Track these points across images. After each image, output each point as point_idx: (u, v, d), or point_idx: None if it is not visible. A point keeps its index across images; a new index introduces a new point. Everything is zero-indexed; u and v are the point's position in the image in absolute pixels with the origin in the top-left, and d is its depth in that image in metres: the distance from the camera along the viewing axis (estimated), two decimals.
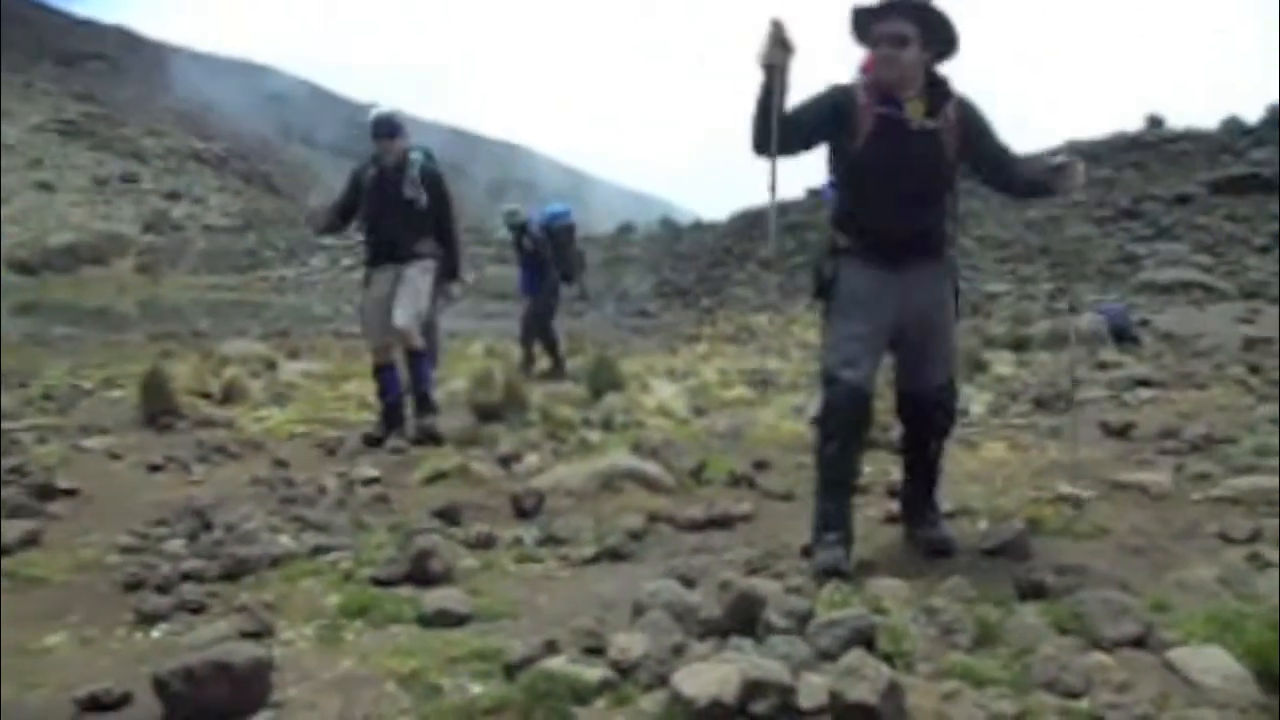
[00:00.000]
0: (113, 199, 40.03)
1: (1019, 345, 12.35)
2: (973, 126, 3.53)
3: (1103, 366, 10.23)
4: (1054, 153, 4.14)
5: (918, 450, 3.80)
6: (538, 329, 11.13)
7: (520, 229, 11.36)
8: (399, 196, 6.36)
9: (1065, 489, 4.59)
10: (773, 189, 3.63)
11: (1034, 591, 3.08)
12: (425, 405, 6.41)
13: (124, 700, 2.35)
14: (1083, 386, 8.30)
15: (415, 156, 6.47)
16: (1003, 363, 10.86)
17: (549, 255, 11.17)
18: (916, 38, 3.39)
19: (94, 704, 2.33)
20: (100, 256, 29.36)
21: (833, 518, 3.48)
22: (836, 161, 3.59)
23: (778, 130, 3.44)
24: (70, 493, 4.84)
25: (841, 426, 3.49)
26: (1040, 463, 5.44)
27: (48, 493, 4.73)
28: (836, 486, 3.52)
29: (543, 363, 11.12)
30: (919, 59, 3.42)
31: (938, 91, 3.47)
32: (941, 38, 3.44)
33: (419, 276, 6.40)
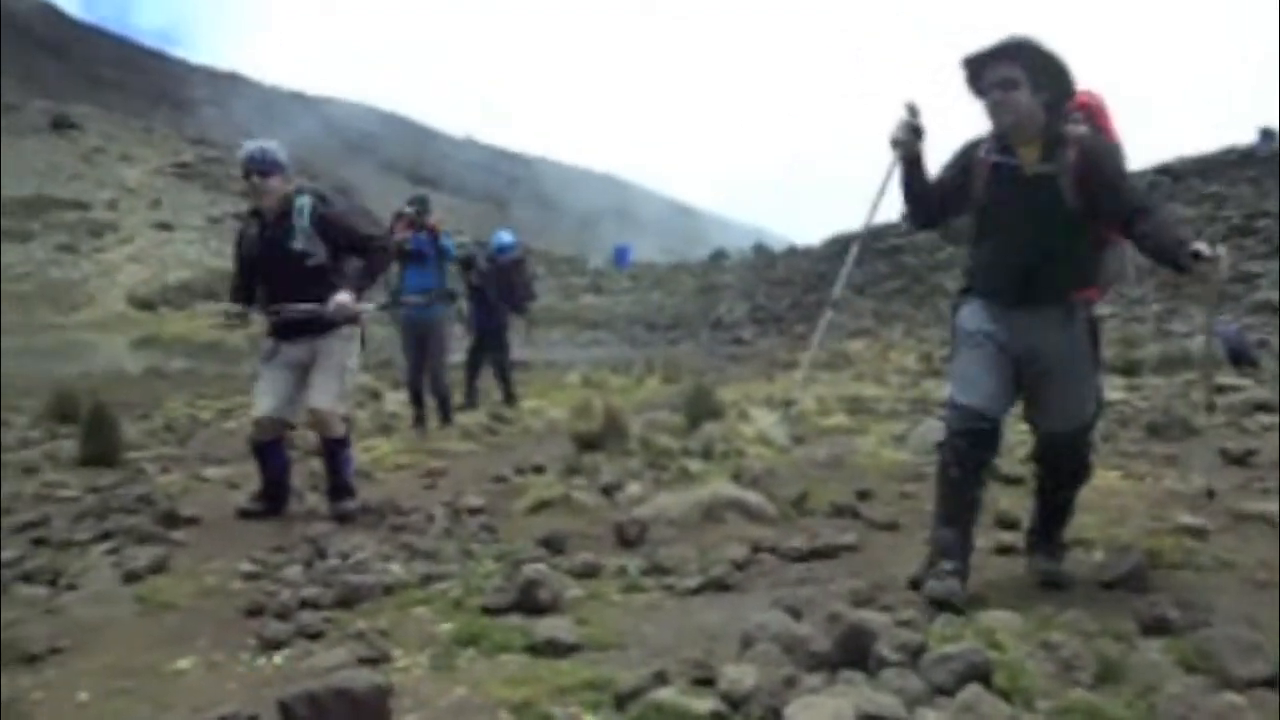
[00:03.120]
0: (225, 236, 41.76)
1: (1129, 370, 11.94)
2: (1094, 172, 3.37)
3: (1220, 391, 9.83)
4: (1199, 236, 3.40)
5: (1043, 489, 3.80)
6: (492, 361, 11.19)
7: (466, 262, 11.18)
8: (289, 252, 5.21)
9: (1185, 519, 4.43)
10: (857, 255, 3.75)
11: (1157, 626, 2.98)
12: (341, 492, 5.36)
13: None
14: (1205, 412, 7.99)
15: (302, 202, 5.26)
16: (1112, 388, 10.52)
17: (495, 289, 11.05)
18: (1026, 80, 3.37)
19: None
20: (213, 292, 30.53)
21: (949, 546, 3.42)
22: (970, 211, 3.67)
23: (920, 201, 3.71)
24: (193, 520, 5.06)
25: (960, 451, 3.44)
26: (1156, 492, 5.26)
27: (173, 520, 4.98)
28: (954, 514, 3.46)
29: (495, 394, 11.23)
30: (1032, 101, 3.38)
31: (1055, 134, 3.42)
32: (1052, 77, 3.38)
33: (341, 351, 5.33)
